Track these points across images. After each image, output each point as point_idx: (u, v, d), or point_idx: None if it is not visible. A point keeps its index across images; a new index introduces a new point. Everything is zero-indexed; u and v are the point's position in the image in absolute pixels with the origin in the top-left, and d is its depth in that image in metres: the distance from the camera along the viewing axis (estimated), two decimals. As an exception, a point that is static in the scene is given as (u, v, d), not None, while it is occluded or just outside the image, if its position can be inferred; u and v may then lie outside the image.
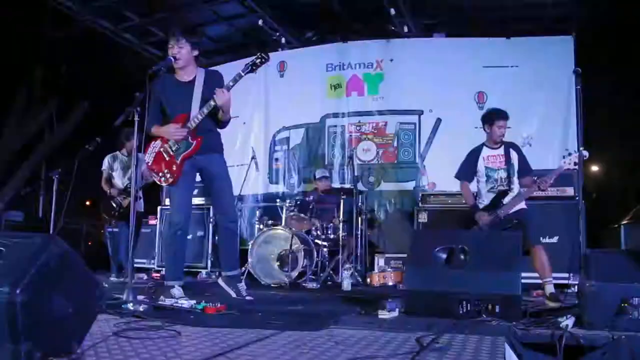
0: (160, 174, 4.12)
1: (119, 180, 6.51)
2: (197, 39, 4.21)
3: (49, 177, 6.36)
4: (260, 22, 7.96)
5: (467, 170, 5.05)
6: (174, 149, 4.08)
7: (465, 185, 5.06)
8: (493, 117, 4.93)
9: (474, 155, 5.03)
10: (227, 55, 9.30)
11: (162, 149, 4.12)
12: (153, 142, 4.15)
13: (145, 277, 6.86)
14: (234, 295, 4.25)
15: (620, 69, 7.31)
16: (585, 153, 4.61)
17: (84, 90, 9.15)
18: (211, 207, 6.68)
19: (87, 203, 15.49)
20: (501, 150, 4.93)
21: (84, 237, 10.80)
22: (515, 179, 4.85)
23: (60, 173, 6.17)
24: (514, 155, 4.90)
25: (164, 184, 4.26)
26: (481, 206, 4.87)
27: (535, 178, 4.74)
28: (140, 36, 8.69)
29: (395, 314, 3.41)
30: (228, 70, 7.86)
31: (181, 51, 4.04)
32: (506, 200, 4.76)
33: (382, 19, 7.86)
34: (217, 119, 4.13)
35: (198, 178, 4.35)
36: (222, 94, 3.94)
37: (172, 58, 4.03)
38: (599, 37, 6.95)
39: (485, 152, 4.98)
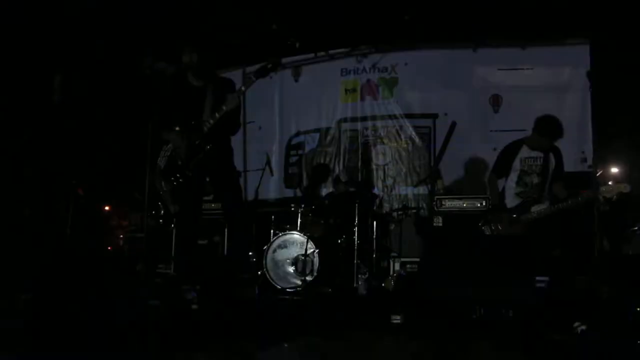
0: (173, 178, 4.16)
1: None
2: (210, 47, 4.25)
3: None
4: (274, 27, 7.99)
5: (504, 166, 4.88)
6: (185, 153, 4.11)
7: (494, 179, 4.91)
8: (542, 131, 4.74)
9: (511, 152, 4.85)
10: (240, 61, 9.35)
11: (174, 153, 4.16)
12: (165, 146, 4.21)
13: None
14: None
15: (638, 68, 7.20)
16: (627, 186, 4.38)
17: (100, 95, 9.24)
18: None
19: (107, 208, 15.63)
20: (541, 153, 4.76)
21: (103, 243, 10.91)
22: (547, 187, 4.72)
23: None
24: (552, 161, 4.73)
25: (175, 188, 4.29)
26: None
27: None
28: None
29: (409, 319, 3.40)
30: (241, 76, 8.03)
31: (195, 58, 4.09)
32: (534, 209, 4.66)
33: (397, 24, 7.84)
34: (227, 125, 4.17)
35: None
36: (232, 100, 4.00)
37: (186, 65, 4.09)
38: (615, 40, 6.86)
39: (525, 152, 4.80)
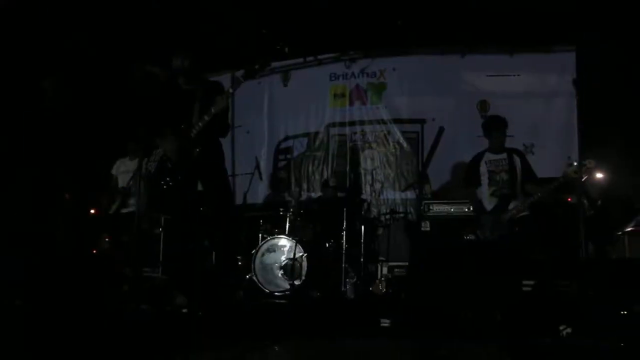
0: (163, 182, 4.15)
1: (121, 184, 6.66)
2: (199, 52, 4.25)
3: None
4: (263, 31, 7.98)
5: (472, 174, 5.09)
6: (176, 156, 4.11)
7: (472, 191, 5.09)
8: (489, 129, 5.05)
9: (476, 160, 5.10)
10: (230, 65, 9.34)
11: (164, 157, 4.16)
12: (155, 151, 4.20)
13: None
14: None
15: (624, 75, 7.30)
16: (592, 162, 4.59)
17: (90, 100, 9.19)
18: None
19: (92, 212, 15.51)
20: (504, 155, 4.98)
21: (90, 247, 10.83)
22: (518, 184, 4.87)
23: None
24: (517, 161, 4.94)
25: (166, 191, 4.29)
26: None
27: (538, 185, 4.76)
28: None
29: (397, 322, 3.42)
30: (231, 79, 8.03)
31: (185, 63, 4.10)
32: (511, 206, 4.79)
33: (385, 30, 7.88)
34: (216, 127, 4.18)
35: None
36: (220, 101, 4.01)
37: (177, 70, 4.09)
38: (601, 47, 6.95)
39: (488, 157, 5.03)
